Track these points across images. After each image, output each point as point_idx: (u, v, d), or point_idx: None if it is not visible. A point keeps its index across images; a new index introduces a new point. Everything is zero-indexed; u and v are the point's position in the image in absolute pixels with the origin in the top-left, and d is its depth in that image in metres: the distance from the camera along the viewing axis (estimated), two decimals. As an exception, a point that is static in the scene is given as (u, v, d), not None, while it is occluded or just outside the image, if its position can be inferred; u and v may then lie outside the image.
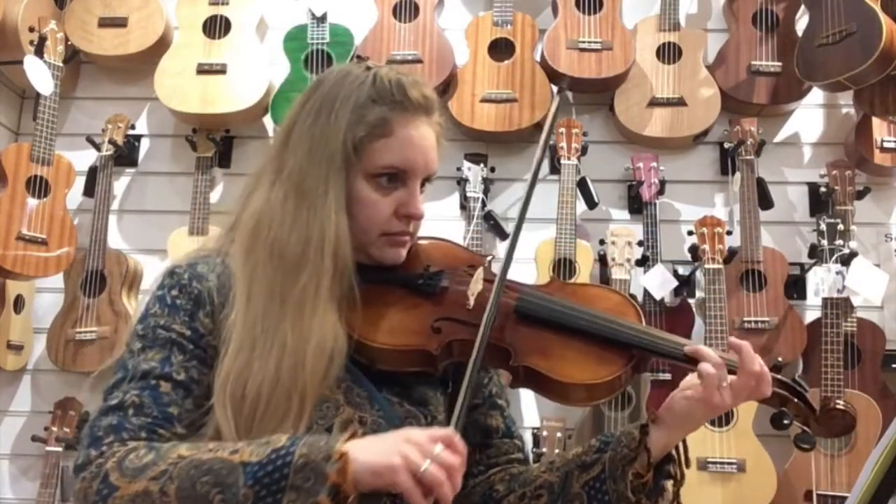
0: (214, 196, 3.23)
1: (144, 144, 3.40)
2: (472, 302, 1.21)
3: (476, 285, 1.22)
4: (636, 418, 2.81)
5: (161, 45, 3.24)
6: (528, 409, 3.04)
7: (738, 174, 3.02)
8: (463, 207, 3.09)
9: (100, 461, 1.05)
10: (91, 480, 1.05)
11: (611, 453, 1.19)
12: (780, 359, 1.20)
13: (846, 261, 2.81)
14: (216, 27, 3.21)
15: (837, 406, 1.29)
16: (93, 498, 1.04)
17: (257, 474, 1.00)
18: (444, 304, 1.22)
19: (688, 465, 1.21)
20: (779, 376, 1.20)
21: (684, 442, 1.23)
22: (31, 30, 3.08)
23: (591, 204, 3.05)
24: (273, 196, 1.21)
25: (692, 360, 1.18)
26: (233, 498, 0.99)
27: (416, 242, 1.29)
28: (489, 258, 1.32)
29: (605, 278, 2.95)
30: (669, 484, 1.21)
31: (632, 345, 1.20)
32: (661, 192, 3.05)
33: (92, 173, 3.20)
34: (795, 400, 1.20)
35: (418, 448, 1.00)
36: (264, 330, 1.14)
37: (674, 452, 1.21)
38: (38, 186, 3.03)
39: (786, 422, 1.20)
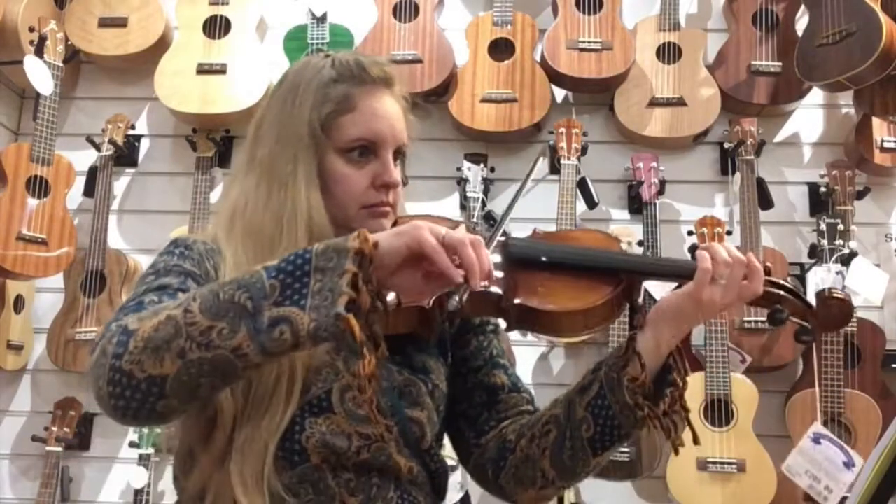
0: (214, 196, 3.22)
1: (144, 144, 3.40)
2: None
3: None
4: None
5: (161, 45, 3.24)
6: (528, 409, 3.04)
7: (738, 174, 3.02)
8: (463, 207, 3.09)
9: (118, 323, 1.02)
10: (110, 338, 1.00)
11: (605, 369, 1.20)
12: (768, 264, 1.18)
13: (846, 261, 2.81)
14: (216, 27, 3.21)
15: (835, 295, 1.28)
16: (111, 349, 0.98)
17: (280, 267, 0.98)
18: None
19: (687, 373, 1.20)
20: (770, 277, 1.19)
21: (680, 351, 1.20)
22: (31, 30, 3.08)
23: (591, 204, 3.05)
24: (247, 184, 1.25)
25: (690, 274, 1.16)
26: (259, 293, 0.96)
27: (399, 217, 1.31)
28: (475, 226, 1.33)
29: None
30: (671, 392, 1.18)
31: (619, 269, 1.22)
32: (661, 192, 3.05)
33: (92, 173, 3.20)
34: (790, 297, 1.20)
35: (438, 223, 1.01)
36: None
37: (671, 361, 1.19)
38: (38, 186, 3.03)
39: (781, 317, 1.18)
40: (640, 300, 1.25)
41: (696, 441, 1.18)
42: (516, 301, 1.18)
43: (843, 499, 2.52)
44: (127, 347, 0.97)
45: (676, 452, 1.16)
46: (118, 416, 1.00)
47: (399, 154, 1.28)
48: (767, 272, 1.18)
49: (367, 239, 0.97)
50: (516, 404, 1.34)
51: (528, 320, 1.20)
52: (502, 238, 1.25)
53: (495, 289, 1.19)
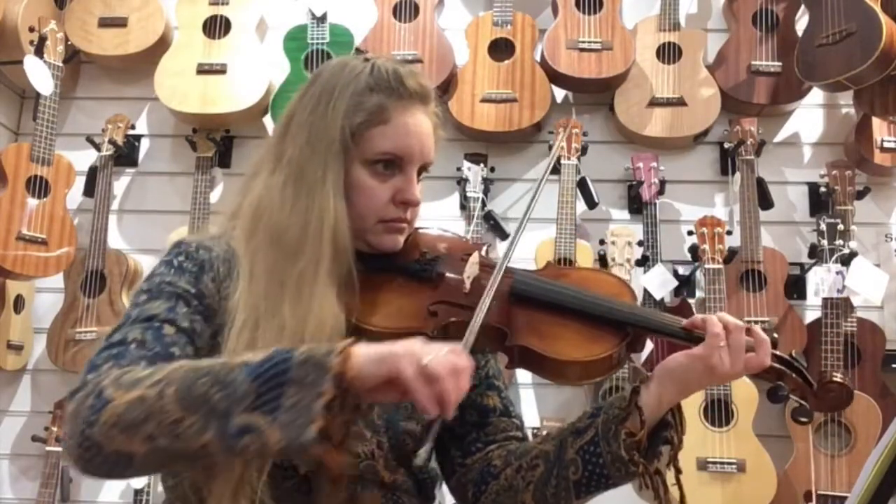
0: (214, 196, 3.22)
1: (144, 144, 3.40)
2: (468, 286, 1.23)
3: (472, 269, 1.24)
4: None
5: (161, 45, 3.24)
6: (528, 408, 3.04)
7: (738, 174, 3.02)
8: (463, 207, 3.09)
9: (96, 380, 1.03)
10: (85, 397, 1.02)
11: (603, 416, 1.19)
12: (775, 335, 1.19)
13: (846, 261, 2.81)
14: (216, 27, 3.21)
15: (835, 379, 1.31)
16: (85, 413, 1.00)
17: (258, 370, 0.96)
18: (440, 288, 1.24)
19: (683, 432, 1.21)
20: (776, 351, 1.20)
21: (679, 409, 1.21)
22: (31, 30, 3.08)
23: (591, 204, 3.05)
24: (273, 182, 1.23)
25: (691, 336, 1.18)
26: (233, 394, 0.96)
27: (413, 231, 1.31)
28: (485, 246, 1.34)
29: (605, 278, 2.94)
30: (667, 450, 1.19)
31: (626, 322, 1.20)
32: (661, 192, 3.05)
33: (92, 173, 3.20)
34: (793, 374, 1.20)
35: (422, 347, 0.98)
36: (266, 310, 1.15)
37: (669, 418, 1.19)
38: (38, 186, 3.03)
39: (782, 394, 1.19)
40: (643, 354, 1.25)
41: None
42: (521, 343, 1.19)
43: (843, 499, 2.53)
44: (99, 418, 0.99)
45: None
46: (88, 475, 1.03)
47: (423, 171, 1.28)
48: (774, 345, 1.19)
49: (349, 361, 0.95)
50: (505, 429, 1.34)
51: (530, 362, 1.20)
52: (510, 275, 1.24)
53: (501, 326, 1.19)
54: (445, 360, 0.97)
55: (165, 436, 0.97)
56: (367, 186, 1.22)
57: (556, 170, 3.05)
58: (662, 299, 2.93)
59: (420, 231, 1.33)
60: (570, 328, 1.20)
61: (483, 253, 1.30)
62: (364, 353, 0.97)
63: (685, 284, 3.01)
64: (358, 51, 1.12)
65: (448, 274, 1.25)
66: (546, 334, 1.19)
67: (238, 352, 1.10)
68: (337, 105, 1.22)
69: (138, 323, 1.12)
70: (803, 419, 1.22)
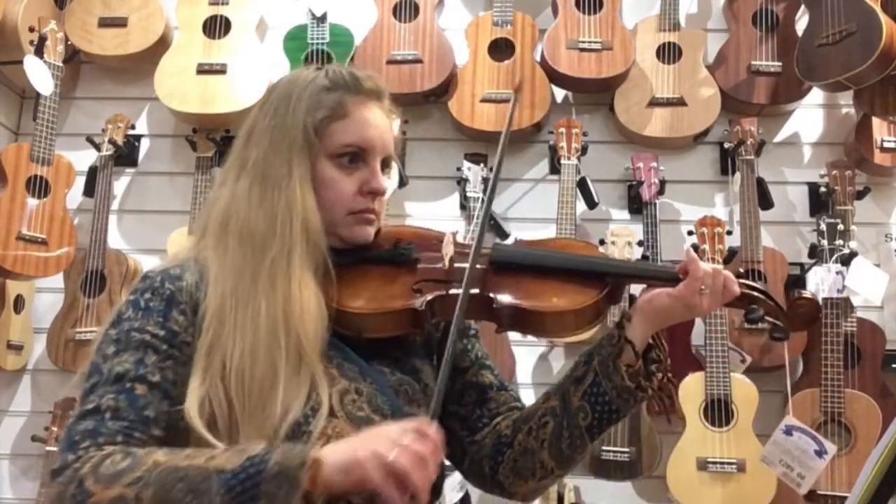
0: (214, 196, 3.22)
1: (144, 144, 3.40)
2: (446, 263, 1.27)
3: (448, 248, 1.29)
4: (635, 417, 2.81)
5: (161, 45, 3.24)
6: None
7: (738, 174, 3.02)
8: (463, 207, 3.09)
9: (76, 465, 1.06)
10: (66, 485, 1.05)
11: (597, 358, 1.26)
12: (741, 269, 1.28)
13: (846, 261, 2.81)
14: (216, 27, 3.21)
15: (802, 295, 1.37)
16: (69, 502, 1.04)
17: (230, 482, 1.01)
18: (420, 269, 1.29)
19: (665, 348, 1.29)
20: (743, 280, 1.31)
21: (657, 332, 1.30)
22: (31, 30, 3.08)
23: (591, 204, 3.05)
24: (238, 188, 1.26)
25: (671, 278, 1.27)
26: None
27: (383, 226, 1.34)
28: (455, 232, 1.38)
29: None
30: (654, 367, 1.27)
31: (605, 272, 1.29)
32: (661, 192, 3.05)
33: (92, 173, 3.20)
34: (762, 297, 1.31)
35: (386, 440, 1.02)
36: (233, 307, 1.17)
37: (651, 340, 1.28)
38: (38, 186, 3.03)
39: (757, 315, 1.29)
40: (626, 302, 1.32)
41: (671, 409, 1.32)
42: (508, 302, 1.24)
43: (843, 499, 2.53)
44: None
45: (669, 421, 1.31)
46: None
47: (385, 165, 1.31)
48: (740, 276, 1.32)
49: (318, 477, 1.01)
50: (506, 401, 1.39)
51: (520, 321, 1.26)
52: (488, 248, 1.30)
53: (487, 294, 1.24)
54: (410, 452, 1.01)
55: None
56: (333, 180, 1.26)
57: (555, 170, 3.06)
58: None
59: (389, 225, 1.37)
60: (554, 284, 1.27)
61: (453, 235, 1.34)
62: (333, 462, 1.02)
63: (685, 284, 3.01)
64: (306, 62, 1.19)
65: (424, 256, 1.30)
66: (531, 292, 1.26)
67: (206, 350, 1.14)
68: (297, 107, 1.27)
69: (109, 385, 1.12)
70: (779, 336, 1.33)
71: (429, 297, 1.23)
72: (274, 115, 1.28)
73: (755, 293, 1.31)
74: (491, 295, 1.25)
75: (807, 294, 1.38)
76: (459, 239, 1.34)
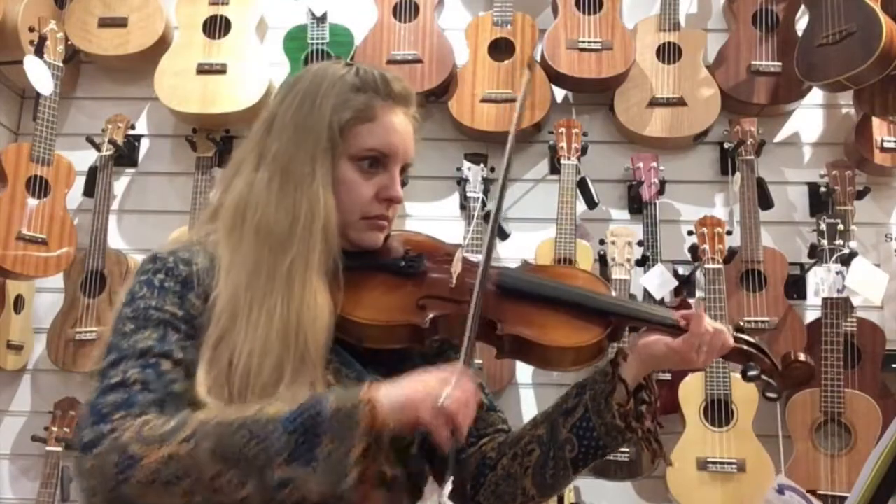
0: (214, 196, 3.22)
1: (144, 144, 3.40)
2: (454, 280, 1.26)
3: (456, 265, 1.28)
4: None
5: (161, 45, 3.24)
6: (528, 408, 3.05)
7: (738, 174, 3.02)
8: (463, 207, 3.09)
9: (114, 435, 1.04)
10: (107, 455, 1.03)
11: (590, 392, 1.26)
12: (741, 323, 1.28)
13: (846, 261, 2.81)
14: (216, 27, 3.21)
15: (798, 359, 1.38)
16: (112, 471, 1.02)
17: (294, 424, 1.03)
18: (426, 283, 1.27)
19: (655, 391, 1.30)
20: (742, 335, 1.32)
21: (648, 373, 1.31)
22: (31, 30, 3.08)
23: (591, 204, 3.05)
24: (257, 179, 1.24)
25: (673, 326, 1.27)
26: (270, 447, 1.02)
27: (392, 233, 1.33)
28: (463, 246, 1.39)
29: (605, 278, 2.95)
30: (644, 408, 1.28)
31: (609, 312, 1.28)
32: (661, 192, 3.05)
33: (92, 173, 3.20)
34: (759, 354, 1.32)
35: (436, 384, 1.08)
36: (247, 303, 1.16)
37: (643, 380, 1.28)
38: (38, 186, 3.03)
39: (754, 374, 1.30)
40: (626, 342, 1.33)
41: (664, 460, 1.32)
42: (511, 332, 1.24)
43: (843, 499, 2.53)
44: (130, 476, 1.02)
45: (667, 463, 1.28)
46: None
47: (404, 171, 1.31)
48: (740, 330, 1.33)
49: (375, 411, 1.05)
50: (493, 423, 1.38)
51: (522, 351, 1.26)
52: (495, 268, 1.30)
53: (491, 318, 1.23)
54: (458, 395, 1.07)
55: (204, 491, 1.02)
56: (352, 182, 1.25)
57: (555, 170, 3.05)
58: (662, 299, 2.93)
59: (399, 232, 1.36)
60: (558, 318, 1.27)
61: (462, 250, 1.34)
62: (387, 401, 1.06)
63: (685, 284, 3.01)
64: (337, 58, 1.17)
65: (432, 270, 1.29)
66: (535, 323, 1.25)
67: (221, 341, 1.13)
68: (323, 103, 1.25)
69: (133, 359, 1.11)
70: (771, 395, 1.34)
71: (432, 314, 1.22)
72: (299, 108, 1.26)
73: (753, 350, 1.33)
74: (494, 320, 1.24)
75: (803, 358, 1.39)
76: (460, 240, 1.34)
